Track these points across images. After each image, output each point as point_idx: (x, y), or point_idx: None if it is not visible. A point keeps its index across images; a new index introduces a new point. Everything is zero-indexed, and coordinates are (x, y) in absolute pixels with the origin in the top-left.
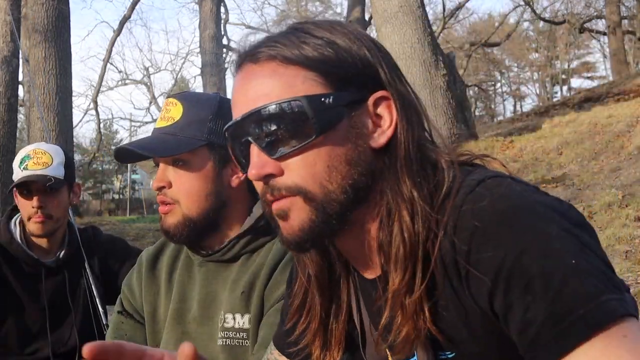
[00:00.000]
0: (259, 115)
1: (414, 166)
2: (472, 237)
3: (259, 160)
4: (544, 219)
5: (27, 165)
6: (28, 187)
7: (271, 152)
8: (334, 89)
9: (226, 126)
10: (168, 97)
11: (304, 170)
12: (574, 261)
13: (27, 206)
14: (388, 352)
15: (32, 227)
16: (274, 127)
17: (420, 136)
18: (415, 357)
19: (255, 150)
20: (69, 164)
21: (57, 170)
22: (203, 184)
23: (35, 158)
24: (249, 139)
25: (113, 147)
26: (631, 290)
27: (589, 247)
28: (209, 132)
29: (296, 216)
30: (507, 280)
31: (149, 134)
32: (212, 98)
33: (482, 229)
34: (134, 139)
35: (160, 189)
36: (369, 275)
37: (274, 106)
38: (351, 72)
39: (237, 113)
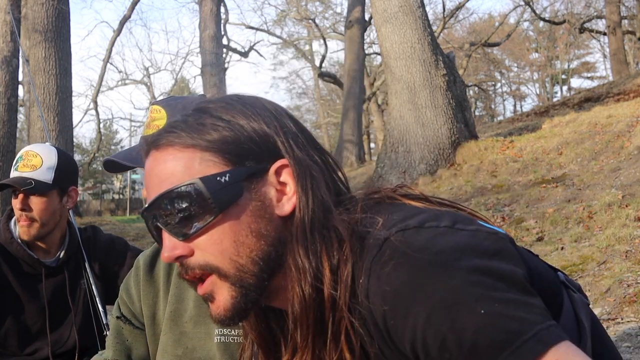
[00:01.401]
0: (162, 201)
1: (308, 234)
2: (384, 302)
3: (169, 244)
4: (448, 270)
5: (18, 166)
6: (15, 188)
7: (178, 235)
8: (232, 165)
9: (140, 212)
10: (152, 104)
11: (212, 248)
12: (482, 311)
13: (15, 207)
14: None
15: (19, 230)
16: (177, 211)
17: (323, 201)
18: None
19: (165, 234)
20: (62, 168)
21: (43, 174)
22: None
23: (26, 160)
24: (158, 224)
25: (113, 147)
26: (631, 291)
27: (503, 279)
28: None
29: (220, 296)
30: (423, 342)
31: None
32: (195, 101)
33: (392, 293)
34: (133, 138)
35: None
36: None
37: (173, 191)
38: (248, 147)
39: (148, 198)
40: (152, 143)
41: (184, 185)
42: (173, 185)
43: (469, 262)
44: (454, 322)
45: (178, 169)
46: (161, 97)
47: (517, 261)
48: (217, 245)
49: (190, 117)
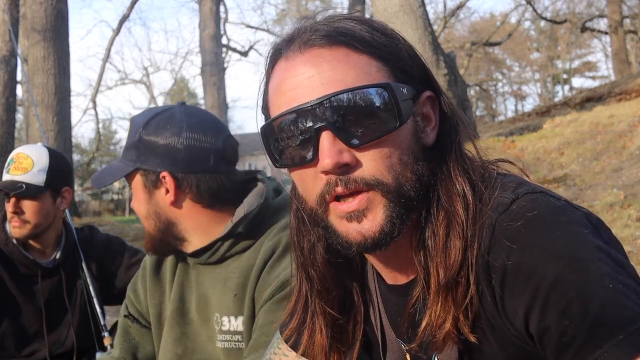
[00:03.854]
0: (338, 100)
1: (461, 166)
2: (507, 259)
3: (335, 148)
4: (579, 240)
5: (9, 169)
6: (6, 192)
7: (349, 139)
8: (402, 82)
9: (285, 111)
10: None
11: (381, 162)
12: (611, 285)
13: (7, 210)
14: (407, 354)
15: (12, 230)
16: (357, 112)
17: (460, 141)
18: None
19: (329, 138)
20: (54, 168)
21: (35, 177)
22: (141, 206)
23: (17, 162)
24: (324, 124)
25: (112, 147)
26: None
27: (622, 266)
28: (136, 157)
29: (376, 214)
30: (544, 303)
31: None
32: (139, 122)
33: (518, 250)
34: None
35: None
36: (400, 280)
37: (360, 89)
38: (410, 69)
39: (303, 97)
40: (319, 39)
41: (371, 87)
42: (360, 83)
43: (593, 240)
44: (583, 287)
45: (354, 71)
46: (159, 97)
47: (625, 252)
48: (385, 160)
49: (353, 21)
